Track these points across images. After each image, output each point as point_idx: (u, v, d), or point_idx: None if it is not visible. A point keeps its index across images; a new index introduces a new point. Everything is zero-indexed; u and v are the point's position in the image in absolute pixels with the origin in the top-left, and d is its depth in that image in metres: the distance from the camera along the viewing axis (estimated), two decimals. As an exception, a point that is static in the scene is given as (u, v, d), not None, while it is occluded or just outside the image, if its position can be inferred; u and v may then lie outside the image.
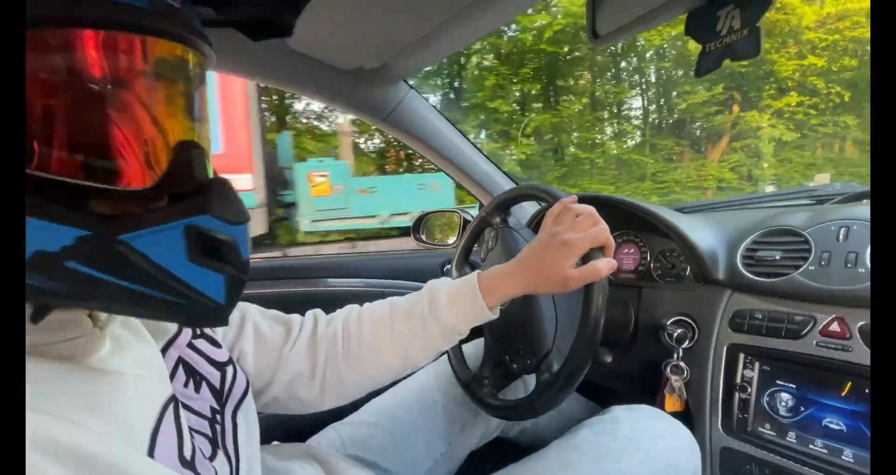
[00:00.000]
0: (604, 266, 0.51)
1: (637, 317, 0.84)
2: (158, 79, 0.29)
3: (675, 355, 0.74)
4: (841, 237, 0.63)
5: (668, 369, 0.74)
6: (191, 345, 0.43)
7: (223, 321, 0.33)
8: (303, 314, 1.01)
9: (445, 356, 0.82)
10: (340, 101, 0.91)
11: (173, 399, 0.36)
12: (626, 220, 0.90)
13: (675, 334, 0.74)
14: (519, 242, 0.74)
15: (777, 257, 0.68)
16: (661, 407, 0.71)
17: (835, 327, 0.59)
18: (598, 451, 0.55)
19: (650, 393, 0.77)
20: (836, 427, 0.57)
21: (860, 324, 0.56)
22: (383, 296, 1.09)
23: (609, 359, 0.80)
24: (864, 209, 0.65)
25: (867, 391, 0.55)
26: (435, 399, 0.73)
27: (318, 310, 0.59)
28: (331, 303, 1.03)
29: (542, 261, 0.52)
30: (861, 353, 0.55)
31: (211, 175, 0.32)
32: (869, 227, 0.62)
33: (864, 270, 0.58)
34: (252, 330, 0.52)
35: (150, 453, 0.32)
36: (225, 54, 0.79)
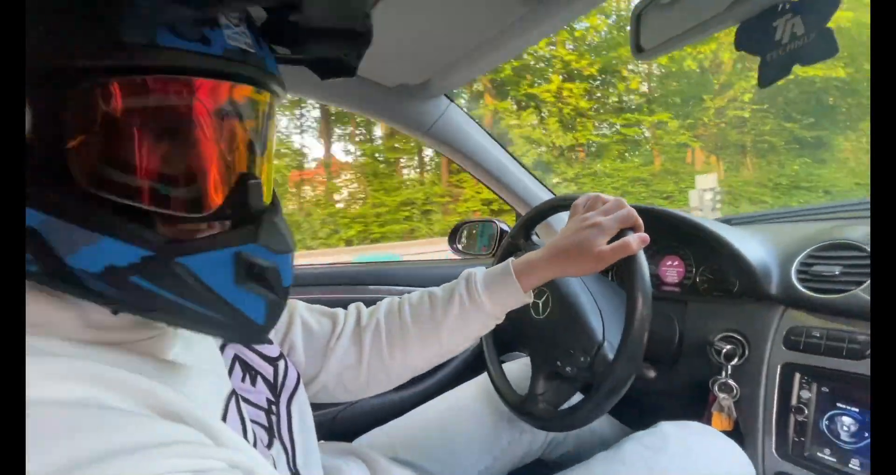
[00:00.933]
0: (635, 241, 0.52)
1: (682, 333, 0.82)
2: (227, 117, 0.32)
3: (724, 372, 0.71)
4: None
5: (717, 387, 0.71)
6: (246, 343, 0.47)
7: (261, 340, 0.36)
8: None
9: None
10: (384, 116, 0.95)
11: (234, 393, 0.39)
12: (668, 231, 0.88)
13: (724, 350, 0.72)
14: None
15: (836, 272, 0.64)
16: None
17: (903, 348, 0.55)
18: (647, 466, 0.53)
19: (696, 412, 0.74)
20: (906, 455, 0.53)
21: None
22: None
23: (653, 374, 0.78)
24: None
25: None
26: (485, 413, 0.73)
27: (360, 304, 0.62)
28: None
29: (573, 243, 0.53)
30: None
31: (266, 204, 0.34)
32: None
33: None
34: (300, 324, 0.55)
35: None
36: (288, 76, 0.86)
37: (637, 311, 0.53)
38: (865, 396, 0.58)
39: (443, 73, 0.86)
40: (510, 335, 0.76)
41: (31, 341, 0.26)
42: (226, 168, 0.32)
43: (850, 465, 0.57)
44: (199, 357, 0.38)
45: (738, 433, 0.69)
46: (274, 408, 0.45)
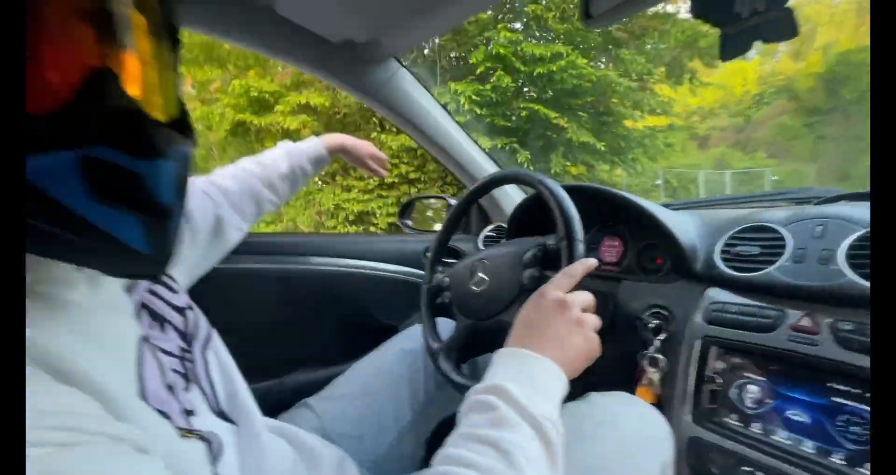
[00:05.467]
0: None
1: (615, 308, 0.85)
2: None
3: (653, 347, 0.74)
4: (817, 234, 0.64)
5: (645, 361, 0.75)
6: (151, 291, 0.44)
7: (155, 272, 0.32)
8: (278, 292, 0.99)
9: (410, 331, 0.82)
10: (327, 74, 0.89)
11: (147, 337, 0.38)
12: (610, 211, 0.90)
13: (652, 325, 0.75)
14: None
15: (755, 252, 0.68)
16: None
17: (805, 322, 0.60)
18: (571, 434, 0.54)
19: (625, 384, 0.78)
20: (799, 419, 0.58)
21: (828, 320, 0.57)
22: (364, 278, 1.09)
23: None
24: (840, 208, 0.66)
25: (829, 385, 0.56)
26: (400, 372, 0.75)
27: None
28: (310, 281, 1.03)
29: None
30: (828, 348, 0.56)
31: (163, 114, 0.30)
32: (845, 224, 0.62)
33: (836, 267, 0.59)
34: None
35: (141, 385, 0.34)
36: (207, 15, 0.77)
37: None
38: (770, 366, 0.62)
39: (390, 33, 0.81)
40: (447, 307, 0.76)
41: None
42: (74, 58, 0.26)
43: (751, 428, 0.62)
44: (108, 299, 0.36)
45: (660, 404, 0.73)
46: (188, 355, 0.44)
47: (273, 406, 0.73)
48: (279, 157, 0.78)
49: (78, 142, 0.25)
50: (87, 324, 0.32)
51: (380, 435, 0.69)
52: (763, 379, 0.62)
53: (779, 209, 0.79)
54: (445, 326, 0.80)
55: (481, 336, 0.70)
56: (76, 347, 0.29)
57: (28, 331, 0.26)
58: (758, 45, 0.44)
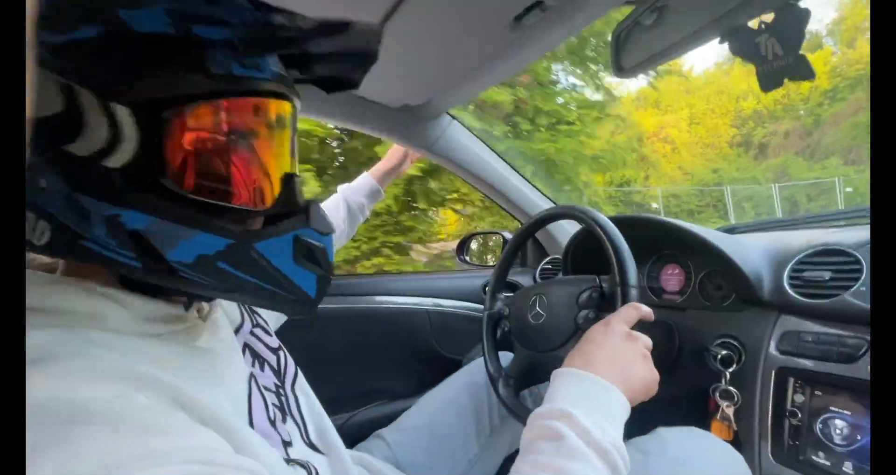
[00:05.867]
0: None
1: (681, 340, 0.83)
2: (272, 128, 0.39)
3: (724, 379, 0.72)
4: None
5: (718, 394, 0.72)
6: (252, 333, 0.51)
7: (311, 312, 0.41)
8: (349, 331, 1.08)
9: (474, 365, 0.86)
10: (389, 134, 1.00)
11: (252, 375, 0.44)
12: (668, 240, 0.90)
13: (721, 356, 0.73)
14: None
15: (826, 277, 0.66)
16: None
17: (892, 351, 0.56)
18: (644, 472, 0.53)
19: (695, 420, 0.75)
20: (898, 458, 0.53)
21: None
22: (427, 314, 1.16)
23: None
24: None
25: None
26: (466, 404, 0.77)
27: None
28: (376, 320, 1.11)
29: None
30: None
31: (305, 197, 0.42)
32: None
33: None
34: None
35: (250, 417, 0.40)
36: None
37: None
38: (857, 399, 0.58)
39: (442, 94, 0.91)
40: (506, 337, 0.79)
41: (91, 334, 0.31)
42: (279, 169, 0.39)
43: (843, 468, 0.57)
44: (224, 342, 0.44)
45: (738, 441, 0.70)
46: (281, 390, 0.50)
47: (349, 437, 0.80)
48: (338, 199, 0.93)
49: (294, 227, 0.38)
50: (213, 366, 0.38)
51: (449, 465, 0.72)
52: (849, 413, 0.58)
53: (851, 229, 0.75)
54: (507, 353, 0.83)
55: (538, 367, 0.72)
56: (201, 385, 0.34)
57: (170, 376, 0.31)
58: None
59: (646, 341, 0.53)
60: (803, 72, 0.43)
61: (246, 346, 0.49)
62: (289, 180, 0.39)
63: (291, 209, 0.39)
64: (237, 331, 0.49)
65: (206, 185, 0.35)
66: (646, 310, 0.56)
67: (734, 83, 18.23)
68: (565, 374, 0.48)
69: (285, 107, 0.39)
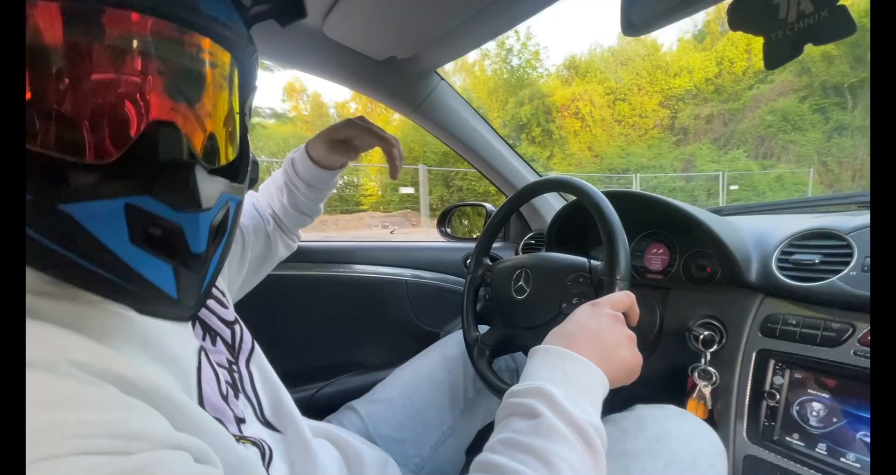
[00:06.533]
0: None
1: (662, 319, 0.82)
2: (131, 54, 0.28)
3: (703, 359, 0.71)
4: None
5: (696, 374, 0.71)
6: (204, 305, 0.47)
7: (182, 318, 0.34)
8: (323, 299, 1.04)
9: (451, 338, 0.84)
10: (372, 90, 0.93)
11: (202, 348, 0.40)
12: (656, 218, 0.88)
13: (702, 337, 0.72)
14: None
15: (816, 261, 0.64)
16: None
17: (876, 336, 0.55)
18: (622, 449, 0.53)
19: (672, 398, 0.75)
20: (872, 441, 0.54)
21: None
22: (406, 285, 1.12)
23: None
24: None
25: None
26: (441, 377, 0.76)
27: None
28: (353, 288, 1.07)
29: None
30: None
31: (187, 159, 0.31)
32: None
33: None
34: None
35: (199, 392, 0.36)
36: (263, 44, 0.83)
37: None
38: (836, 383, 0.58)
39: (432, 48, 0.84)
40: (490, 312, 0.77)
41: None
42: (124, 110, 0.28)
43: (816, 449, 0.58)
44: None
45: (712, 419, 0.70)
46: (234, 366, 0.46)
47: (320, 409, 0.77)
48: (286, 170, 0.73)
49: (125, 191, 0.27)
50: (154, 338, 0.34)
51: (421, 438, 0.70)
52: (827, 396, 0.58)
53: (842, 214, 0.74)
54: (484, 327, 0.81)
55: (515, 340, 0.70)
56: (142, 358, 0.31)
57: (95, 344, 0.27)
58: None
59: (632, 327, 0.52)
60: (843, 27, 0.37)
61: (196, 318, 0.45)
62: (148, 129, 0.28)
63: (143, 170, 0.28)
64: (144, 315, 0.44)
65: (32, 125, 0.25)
66: (635, 309, 0.54)
67: (677, 58, 15.28)
68: (543, 352, 0.46)
69: (158, 26, 0.28)
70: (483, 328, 0.79)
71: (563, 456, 0.36)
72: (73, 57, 0.26)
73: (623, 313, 0.52)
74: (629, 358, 0.49)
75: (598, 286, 0.61)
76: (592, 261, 0.64)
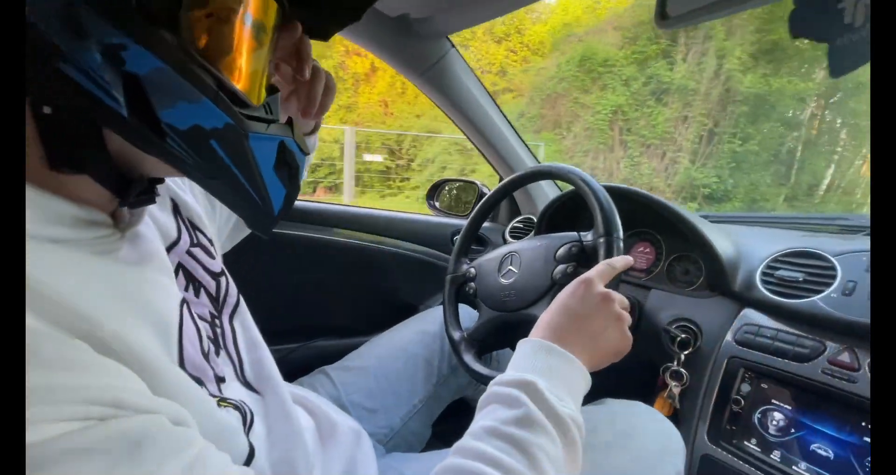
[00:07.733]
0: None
1: (640, 316, 0.84)
2: (271, 32, 0.35)
3: (676, 361, 0.73)
4: (870, 269, 0.61)
5: (668, 374, 0.73)
6: (189, 253, 0.44)
7: (267, 231, 0.38)
8: (305, 261, 1.01)
9: (430, 313, 0.84)
10: (380, 48, 0.87)
11: (184, 299, 0.38)
12: (645, 217, 0.88)
13: (679, 339, 0.73)
14: None
15: (800, 279, 0.66)
16: None
17: (844, 357, 0.58)
18: (591, 440, 0.54)
19: (643, 394, 0.77)
20: (824, 453, 0.57)
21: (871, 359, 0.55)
22: (390, 255, 1.10)
23: None
24: None
25: (864, 424, 0.55)
26: (417, 352, 0.76)
27: None
28: (335, 253, 1.04)
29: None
30: (866, 386, 0.54)
31: None
32: None
33: None
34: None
35: (180, 349, 0.35)
36: None
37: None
38: (799, 396, 0.60)
39: (446, 12, 0.79)
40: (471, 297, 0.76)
41: None
42: (269, 74, 0.37)
43: (771, 456, 0.61)
44: (150, 259, 0.37)
45: (676, 418, 0.72)
46: (217, 321, 0.44)
47: (292, 370, 0.76)
48: None
49: (284, 133, 0.35)
50: (132, 286, 0.32)
51: (392, 410, 0.71)
52: (789, 408, 0.61)
53: (828, 237, 0.75)
54: (466, 315, 0.81)
55: (505, 328, 0.69)
56: (117, 311, 0.28)
57: (71, 295, 0.26)
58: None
59: (622, 300, 0.52)
60: None
61: (180, 267, 0.42)
62: (273, 90, 0.37)
63: (275, 119, 0.36)
64: (170, 249, 0.42)
65: (216, 53, 0.30)
66: (628, 260, 0.55)
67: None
68: (530, 344, 0.47)
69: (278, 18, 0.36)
70: (467, 325, 0.78)
71: (543, 447, 0.37)
72: (259, 29, 0.33)
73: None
74: (617, 340, 0.50)
75: (591, 251, 0.62)
76: (582, 232, 0.65)
